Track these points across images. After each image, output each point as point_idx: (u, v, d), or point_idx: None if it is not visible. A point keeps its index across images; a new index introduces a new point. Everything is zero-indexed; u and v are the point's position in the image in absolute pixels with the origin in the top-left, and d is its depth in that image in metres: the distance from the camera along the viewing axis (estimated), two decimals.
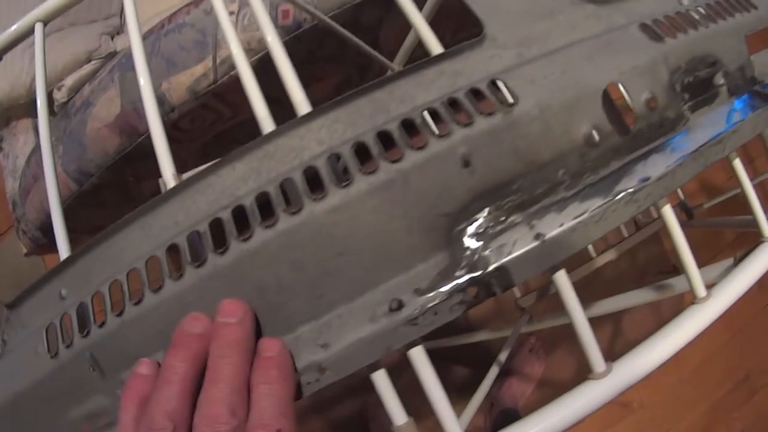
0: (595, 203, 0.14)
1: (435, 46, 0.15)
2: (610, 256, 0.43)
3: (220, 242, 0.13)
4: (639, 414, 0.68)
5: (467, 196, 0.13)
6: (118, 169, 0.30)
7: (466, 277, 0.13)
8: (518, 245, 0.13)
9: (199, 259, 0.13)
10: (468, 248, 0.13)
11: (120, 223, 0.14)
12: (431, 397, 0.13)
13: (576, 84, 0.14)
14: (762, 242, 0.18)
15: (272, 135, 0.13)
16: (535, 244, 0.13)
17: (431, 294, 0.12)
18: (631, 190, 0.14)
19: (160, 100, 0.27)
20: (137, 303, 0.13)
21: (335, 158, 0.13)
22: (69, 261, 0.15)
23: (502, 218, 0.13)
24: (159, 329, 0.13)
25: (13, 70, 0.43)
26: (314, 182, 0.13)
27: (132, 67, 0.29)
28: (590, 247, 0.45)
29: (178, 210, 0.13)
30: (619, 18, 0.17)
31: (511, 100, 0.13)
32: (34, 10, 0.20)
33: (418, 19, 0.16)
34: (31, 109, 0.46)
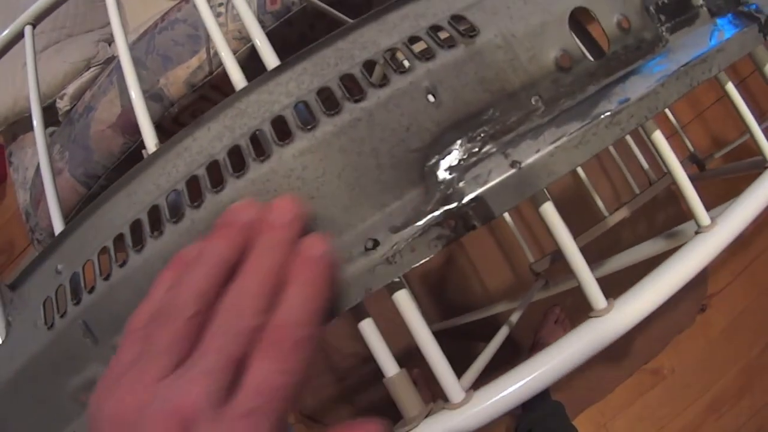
0: (572, 127, 0.14)
1: None
2: (623, 214, 0.42)
3: (196, 197, 0.13)
4: (671, 380, 0.65)
5: (437, 129, 0.13)
6: (124, 168, 0.31)
7: (442, 209, 0.13)
8: (494, 174, 0.13)
9: (176, 216, 0.13)
10: (442, 181, 0.13)
11: (107, 192, 0.15)
12: (430, 357, 0.13)
13: (540, 11, 0.15)
14: (766, 168, 0.17)
15: (243, 92, 0.14)
16: (511, 171, 0.13)
17: (406, 230, 0.13)
18: (610, 112, 0.14)
19: (159, 96, 0.29)
20: (122, 265, 0.14)
21: (303, 107, 0.13)
22: (62, 236, 0.16)
23: (476, 149, 0.13)
24: (142, 289, 0.14)
25: (15, 84, 0.46)
26: (284, 132, 0.13)
27: None
28: (602, 206, 0.44)
29: (160, 174, 0.14)
30: None
31: (472, 32, 0.14)
32: (22, 14, 0.22)
33: None
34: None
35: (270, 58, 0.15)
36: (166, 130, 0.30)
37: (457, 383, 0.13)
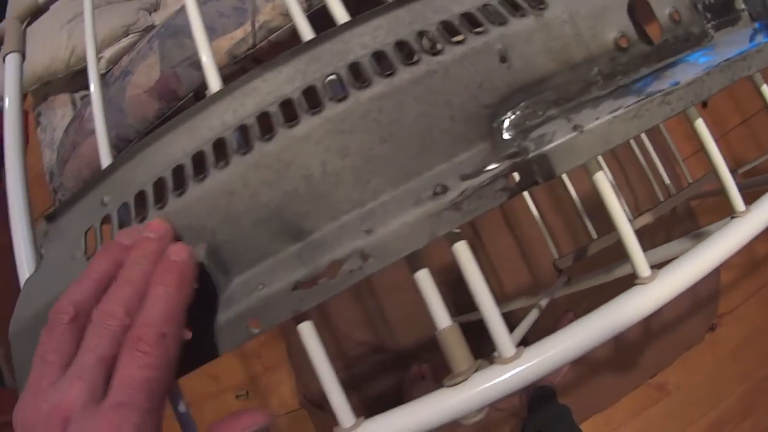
0: (629, 101, 0.15)
1: None
2: (646, 219, 0.44)
3: (268, 130, 0.14)
4: (675, 396, 0.67)
5: (506, 89, 0.14)
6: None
7: (509, 162, 0.13)
8: (557, 135, 0.14)
9: (244, 147, 0.14)
10: (509, 138, 0.14)
11: (162, 129, 0.15)
12: (477, 293, 0.14)
13: None
14: None
15: (316, 41, 0.15)
16: (574, 134, 0.14)
17: (475, 179, 0.13)
18: (662, 91, 0.15)
19: (200, 65, 0.29)
20: (180, 194, 0.14)
21: (377, 58, 0.14)
22: (109, 170, 0.16)
23: (540, 112, 0.14)
24: (199, 221, 0.14)
25: (53, 45, 0.45)
26: (358, 80, 0.14)
27: (171, 35, 0.31)
28: (627, 209, 0.46)
29: (225, 111, 0.14)
30: None
31: (541, 5, 0.15)
32: None
33: None
34: (69, 84, 0.49)
35: (340, 13, 0.16)
36: (203, 98, 0.30)
37: (509, 338, 0.14)
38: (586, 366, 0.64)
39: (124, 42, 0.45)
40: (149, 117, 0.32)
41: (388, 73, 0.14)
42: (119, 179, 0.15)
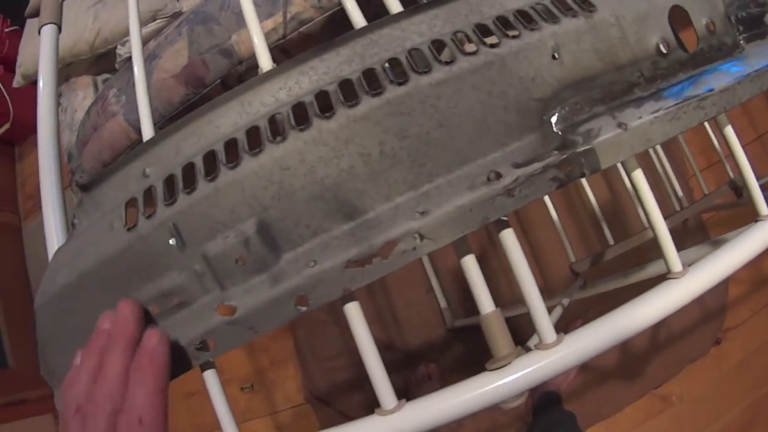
0: (669, 103, 0.16)
1: None
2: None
3: (327, 109, 0.14)
4: (678, 408, 0.69)
5: (557, 84, 0.15)
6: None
7: (559, 154, 0.14)
8: (603, 131, 0.15)
9: (303, 123, 0.14)
10: (559, 131, 0.15)
11: (210, 104, 0.15)
12: (522, 279, 0.15)
13: (646, 2, 0.17)
14: None
15: (374, 26, 0.15)
16: (618, 131, 0.15)
17: (528, 167, 0.14)
18: (698, 96, 0.17)
19: (229, 52, 0.29)
20: (234, 167, 0.14)
21: (435, 46, 0.15)
22: (152, 142, 0.16)
23: (588, 108, 0.15)
24: (250, 195, 0.14)
25: (77, 27, 0.45)
26: (418, 64, 0.15)
27: (201, 21, 0.31)
28: (643, 217, 0.48)
29: (280, 88, 0.15)
30: None
31: (591, 8, 0.16)
32: None
33: None
34: (92, 66, 0.49)
35: (395, 3, 0.17)
36: (231, 87, 0.30)
37: (551, 325, 0.15)
38: (593, 373, 0.65)
39: (152, 27, 0.45)
40: (174, 102, 0.32)
41: (449, 61, 0.14)
42: (164, 152, 0.16)
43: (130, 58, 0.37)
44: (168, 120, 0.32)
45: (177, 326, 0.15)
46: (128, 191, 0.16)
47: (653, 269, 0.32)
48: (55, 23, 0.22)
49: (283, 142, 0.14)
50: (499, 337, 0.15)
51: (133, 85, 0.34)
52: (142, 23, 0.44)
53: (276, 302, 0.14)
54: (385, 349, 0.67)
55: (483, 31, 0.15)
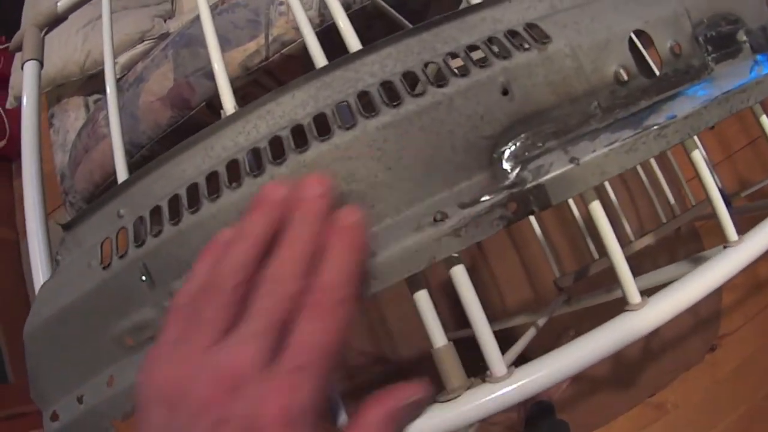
0: (625, 134, 0.17)
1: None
2: (647, 240, 0.46)
3: (278, 156, 0.16)
4: (673, 415, 0.70)
5: (507, 121, 0.16)
6: (168, 141, 0.34)
7: (506, 193, 0.15)
8: (554, 167, 0.16)
9: (256, 170, 0.16)
10: (508, 168, 0.16)
11: (179, 147, 0.17)
12: (472, 317, 0.16)
13: (604, 29, 0.18)
14: None
15: (329, 68, 0.17)
16: (570, 166, 0.16)
17: (474, 207, 0.15)
18: (659, 125, 0.17)
19: (213, 75, 0.32)
20: (194, 212, 0.16)
21: (385, 87, 0.16)
22: (127, 183, 0.18)
23: (540, 143, 0.16)
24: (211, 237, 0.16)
25: (67, 49, 0.48)
26: (366, 108, 0.16)
27: (186, 44, 0.33)
28: (629, 230, 0.49)
29: (239, 133, 0.17)
30: None
31: (545, 40, 0.17)
32: None
33: None
34: (83, 87, 0.52)
35: (353, 41, 0.18)
36: (216, 109, 0.33)
37: (501, 358, 0.16)
38: (586, 382, 0.66)
39: (139, 48, 0.48)
40: (162, 124, 0.34)
41: (395, 103, 0.16)
42: (136, 194, 0.17)
43: (119, 80, 0.39)
44: (156, 142, 0.35)
45: None
46: (104, 231, 0.17)
47: (643, 282, 0.33)
48: (36, 59, 0.24)
49: (239, 188, 0.16)
50: (450, 370, 0.16)
51: (123, 107, 0.36)
52: (130, 44, 0.46)
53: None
54: (377, 361, 0.70)
55: (435, 70, 0.16)
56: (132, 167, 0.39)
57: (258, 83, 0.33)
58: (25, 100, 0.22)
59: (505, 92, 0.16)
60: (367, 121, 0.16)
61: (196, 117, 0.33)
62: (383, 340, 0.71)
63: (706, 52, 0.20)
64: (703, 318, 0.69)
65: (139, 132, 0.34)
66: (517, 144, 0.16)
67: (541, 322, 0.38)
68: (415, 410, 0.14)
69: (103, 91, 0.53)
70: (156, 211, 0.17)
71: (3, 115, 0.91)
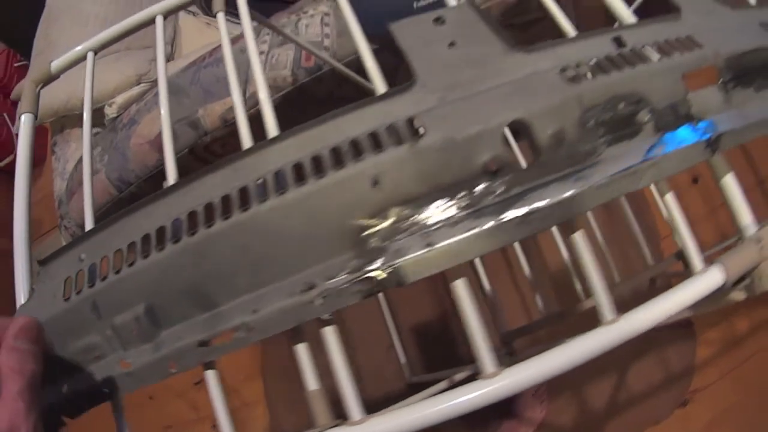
0: (486, 222, 0.20)
1: (380, 85, 0.23)
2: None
3: (193, 227, 0.21)
4: None
5: (375, 208, 0.20)
6: (155, 181, 0.41)
7: (365, 270, 0.19)
8: (411, 250, 0.20)
9: (176, 237, 0.21)
10: (371, 249, 0.20)
11: (128, 210, 0.23)
12: (339, 378, 0.20)
13: (483, 121, 0.21)
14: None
15: (238, 156, 0.22)
16: (424, 251, 0.19)
17: (336, 280, 0.19)
18: (522, 213, 0.20)
19: (196, 125, 0.39)
20: (131, 265, 0.22)
21: (277, 175, 0.21)
22: (90, 233, 0.24)
23: (403, 228, 0.20)
24: (142, 286, 0.22)
25: (70, 84, 0.58)
26: (260, 193, 0.21)
27: (173, 93, 0.41)
28: (580, 289, 0.49)
29: (171, 204, 0.22)
30: (544, 64, 0.23)
31: (420, 133, 0.20)
32: (87, 41, 0.31)
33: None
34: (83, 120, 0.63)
35: (272, 127, 0.23)
36: (198, 155, 0.39)
37: (358, 404, 0.20)
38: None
39: (136, 90, 0.56)
40: (149, 165, 0.42)
41: (281, 191, 0.20)
42: (94, 243, 0.24)
43: (115, 119, 0.47)
44: (144, 181, 0.42)
45: (95, 372, 0.23)
46: (68, 271, 0.24)
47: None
48: (31, 113, 0.31)
49: (162, 251, 0.21)
50: (318, 410, 0.20)
51: (115, 146, 0.44)
52: (128, 85, 0.55)
53: (156, 364, 0.21)
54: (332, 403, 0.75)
55: (318, 162, 0.21)
56: (120, 202, 0.47)
57: (236, 135, 0.39)
58: (19, 152, 0.29)
59: (375, 183, 0.20)
60: (259, 205, 0.20)
61: (179, 162, 0.40)
62: (353, 379, 0.76)
63: (598, 135, 0.22)
64: (674, 372, 0.66)
65: (128, 170, 0.42)
66: (382, 228, 0.20)
67: (461, 376, 0.40)
68: None
69: (104, 125, 0.62)
70: (104, 260, 0.23)
71: (12, 131, 1.05)
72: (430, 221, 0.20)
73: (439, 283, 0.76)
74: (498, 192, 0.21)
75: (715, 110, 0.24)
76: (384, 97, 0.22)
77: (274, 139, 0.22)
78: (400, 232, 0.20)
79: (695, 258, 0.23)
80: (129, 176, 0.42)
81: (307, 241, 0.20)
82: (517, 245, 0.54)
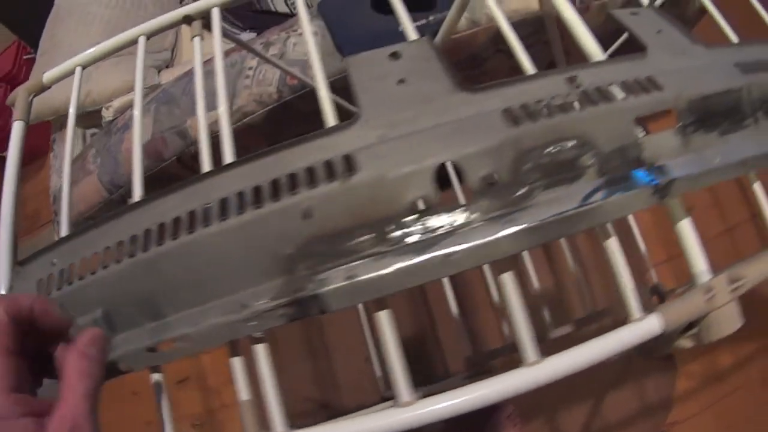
0: (409, 259, 0.21)
1: (330, 119, 0.25)
2: (566, 329, 0.47)
3: (147, 244, 0.23)
4: None
5: (306, 240, 0.22)
6: (145, 186, 0.44)
7: (291, 297, 0.21)
8: (335, 281, 0.21)
9: (131, 252, 0.24)
10: (298, 277, 0.22)
11: (97, 221, 0.26)
12: (266, 390, 0.22)
13: (416, 161, 0.22)
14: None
15: (196, 179, 0.24)
16: (346, 282, 0.21)
17: (263, 303, 0.21)
18: (445, 252, 0.21)
19: (184, 134, 0.42)
20: (92, 273, 0.25)
21: (227, 201, 0.23)
22: (63, 240, 0.27)
23: (331, 260, 0.22)
24: (102, 293, 0.24)
25: (70, 84, 0.63)
26: (205, 218, 0.23)
27: (165, 102, 0.44)
28: (548, 320, 0.50)
29: (132, 220, 0.25)
30: (489, 104, 0.24)
31: (355, 170, 0.22)
32: (75, 57, 0.34)
33: None
34: (83, 119, 0.68)
35: (228, 154, 0.25)
36: (185, 163, 0.42)
37: (283, 420, 0.22)
38: None
39: (132, 96, 0.60)
40: None
41: (223, 218, 0.22)
42: (65, 250, 0.27)
43: (111, 122, 0.51)
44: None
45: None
46: (41, 273, 0.27)
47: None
48: (23, 120, 0.35)
49: (119, 263, 0.24)
50: (247, 421, 0.23)
51: (108, 149, 0.48)
52: (126, 90, 0.58)
53: (111, 365, 0.24)
54: (321, 408, 0.78)
55: (258, 192, 0.22)
56: (110, 203, 0.51)
57: (217, 147, 0.42)
58: (9, 157, 0.33)
59: (306, 216, 0.22)
60: (203, 229, 0.22)
61: (168, 168, 0.43)
62: (329, 389, 0.78)
63: (533, 179, 0.23)
64: (652, 403, 0.64)
65: (119, 174, 0.45)
66: (313, 258, 0.22)
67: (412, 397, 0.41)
68: None
69: (102, 125, 0.67)
70: (71, 267, 0.26)
71: None
72: (355, 255, 0.22)
73: (419, 301, 0.77)
74: (421, 231, 0.22)
75: (670, 155, 0.24)
76: (328, 132, 0.24)
77: (227, 166, 0.24)
78: (327, 262, 0.22)
79: (633, 304, 0.24)
80: (120, 180, 0.45)
81: (244, 265, 0.22)
82: (486, 268, 0.54)
